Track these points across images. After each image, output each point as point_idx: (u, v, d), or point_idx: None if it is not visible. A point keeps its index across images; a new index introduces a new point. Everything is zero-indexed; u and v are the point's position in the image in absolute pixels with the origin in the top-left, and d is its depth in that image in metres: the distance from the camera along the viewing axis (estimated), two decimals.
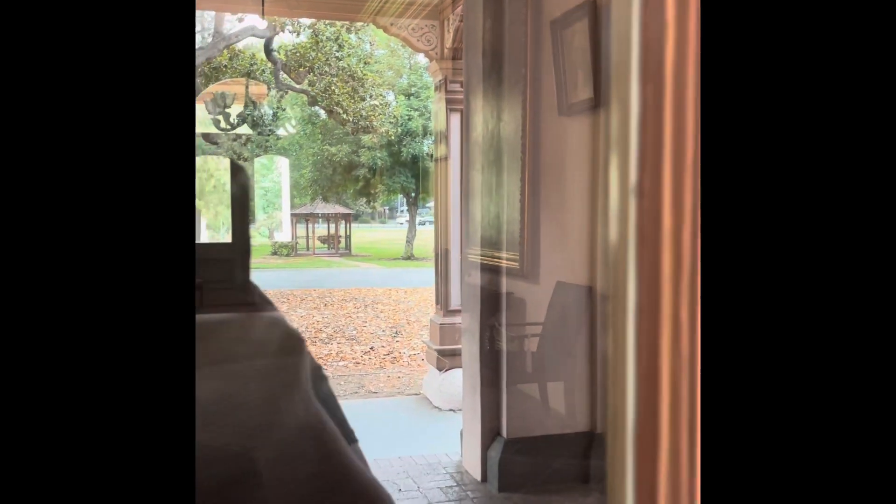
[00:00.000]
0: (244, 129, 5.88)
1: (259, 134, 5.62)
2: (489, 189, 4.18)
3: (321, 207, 26.97)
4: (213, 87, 9.82)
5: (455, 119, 7.33)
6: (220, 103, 5.72)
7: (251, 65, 12.42)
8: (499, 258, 4.06)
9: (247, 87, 5.53)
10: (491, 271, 4.10)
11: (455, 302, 7.48)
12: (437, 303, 7.77)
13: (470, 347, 4.44)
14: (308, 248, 27.03)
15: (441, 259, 7.58)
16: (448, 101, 7.24)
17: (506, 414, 3.83)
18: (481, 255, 4.15)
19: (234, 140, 9.91)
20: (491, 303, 4.06)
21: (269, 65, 11.74)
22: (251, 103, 5.51)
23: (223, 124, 5.86)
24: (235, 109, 5.91)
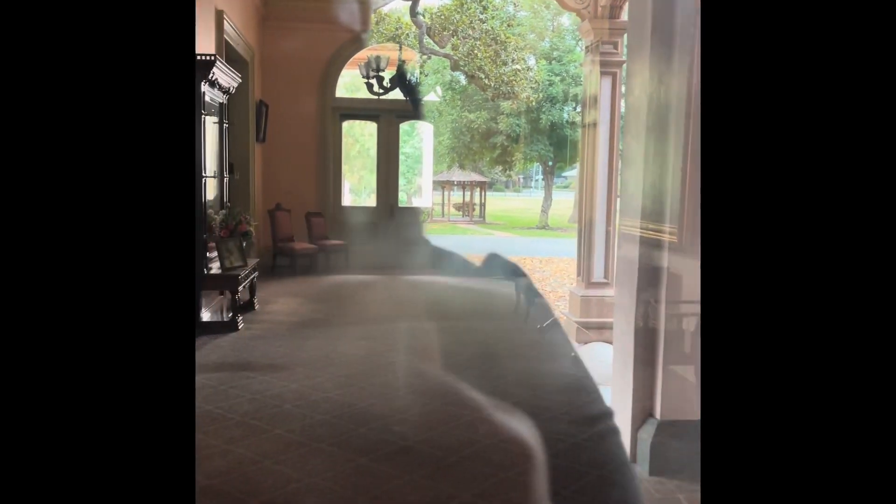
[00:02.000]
0: (396, 94, 5.90)
1: (408, 100, 5.61)
2: (648, 157, 3.92)
3: (457, 175, 27.10)
4: (366, 51, 9.97)
5: (606, 83, 7.00)
6: (374, 66, 5.73)
7: (396, 28, 12.50)
8: (657, 231, 3.81)
9: (399, 51, 5.51)
10: (648, 244, 3.86)
11: (598, 274, 7.23)
12: (578, 274, 7.55)
13: (622, 323, 4.23)
14: (443, 215, 27.32)
15: (585, 230, 7.33)
16: (600, 64, 6.91)
17: (660, 395, 3.62)
18: (639, 228, 3.91)
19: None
20: (647, 278, 3.82)
21: (414, 28, 11.76)
22: (403, 67, 5.50)
23: (376, 88, 5.87)
24: (388, 73, 5.90)
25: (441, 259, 10.31)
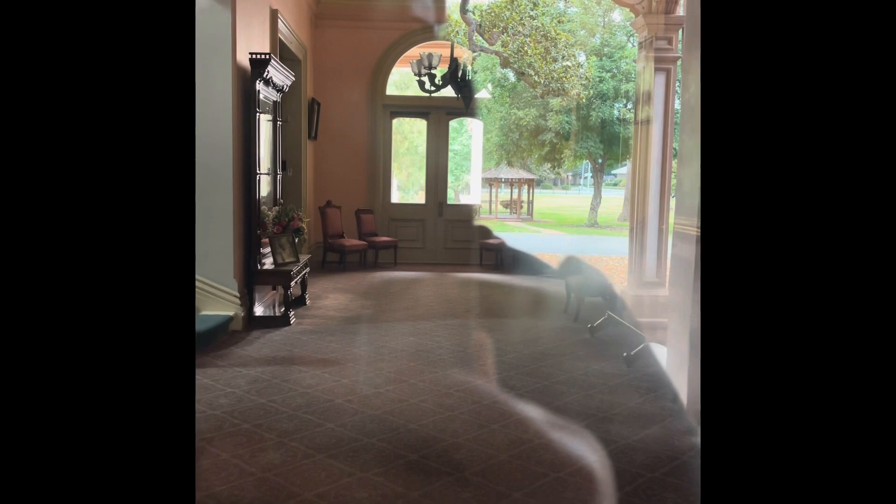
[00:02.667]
0: (447, 91, 5.90)
1: (460, 97, 5.61)
2: None
3: (505, 172, 27.01)
4: (416, 49, 10.00)
5: (660, 79, 6.87)
6: (426, 64, 5.74)
7: (447, 25, 12.50)
8: None
9: (452, 48, 5.49)
10: None
11: (650, 273, 7.12)
12: (629, 273, 7.45)
13: (676, 324, 4.16)
14: (490, 212, 27.26)
15: (636, 228, 7.23)
16: (654, 60, 6.79)
17: None
18: (695, 227, 3.83)
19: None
20: None
21: (464, 25, 11.74)
22: (456, 65, 5.49)
23: (428, 85, 5.89)
24: (440, 71, 5.91)
25: (517, 260, 10.25)
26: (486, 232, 10.99)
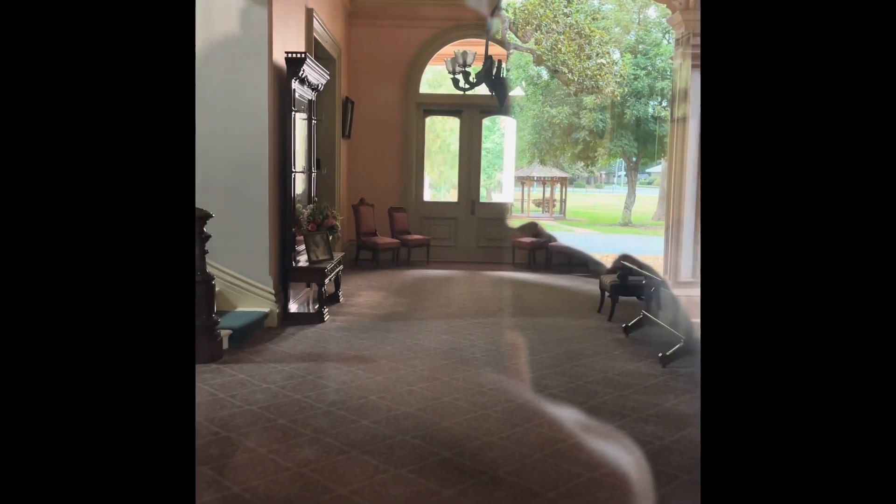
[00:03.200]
0: (480, 89, 5.88)
1: (494, 95, 5.59)
2: None
3: (537, 170, 26.87)
4: (450, 47, 10.00)
5: (697, 76, 6.77)
6: (460, 62, 5.73)
7: (490, 22, 12.47)
8: None
9: (486, 46, 5.48)
10: None
11: (686, 273, 7.02)
12: (664, 273, 7.36)
13: None
14: (522, 211, 27.15)
15: (672, 227, 7.13)
16: (691, 57, 6.69)
17: None
18: None
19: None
20: None
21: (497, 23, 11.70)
22: (490, 63, 5.47)
23: (462, 83, 5.88)
24: (474, 69, 5.90)
25: (568, 258, 10.17)
26: (533, 228, 10.92)
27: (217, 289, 4.87)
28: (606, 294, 6.72)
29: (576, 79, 13.56)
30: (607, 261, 11.08)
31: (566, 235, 14.76)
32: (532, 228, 10.91)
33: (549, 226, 22.93)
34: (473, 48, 6.23)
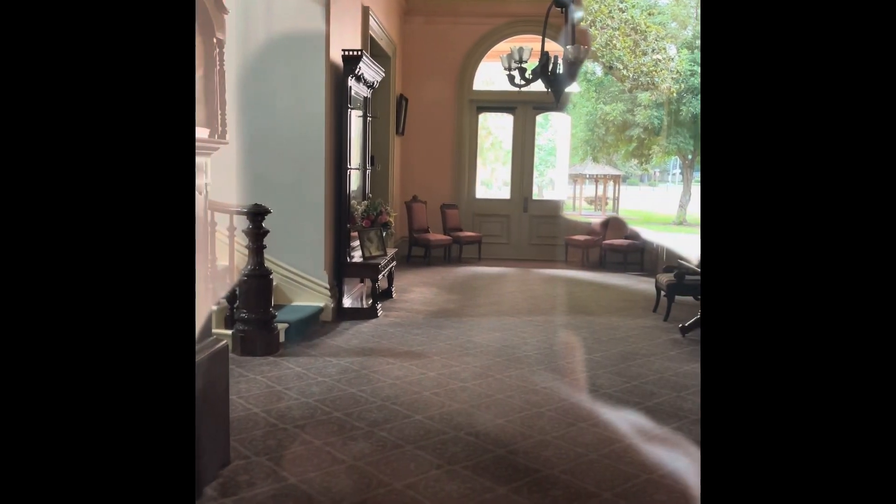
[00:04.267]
0: (535, 86, 5.83)
1: (550, 91, 5.54)
2: None
3: (590, 168, 26.54)
4: (503, 43, 9.95)
5: None
6: (516, 58, 5.71)
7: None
8: None
9: (542, 42, 5.43)
10: None
11: None
12: None
13: None
14: (574, 209, 26.87)
15: None
16: None
17: None
18: None
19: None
20: None
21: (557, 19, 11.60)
22: (547, 59, 5.42)
23: (518, 80, 5.85)
24: (531, 65, 5.86)
25: (623, 256, 10.02)
26: (620, 225, 10.68)
27: (274, 283, 4.96)
28: (662, 293, 6.61)
29: (631, 75, 13.38)
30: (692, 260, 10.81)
31: (648, 231, 14.40)
32: (623, 229, 10.56)
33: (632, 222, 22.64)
34: (529, 44, 6.18)
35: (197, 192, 3.10)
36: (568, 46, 5.50)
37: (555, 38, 6.59)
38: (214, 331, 3.29)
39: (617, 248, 9.83)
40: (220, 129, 3.20)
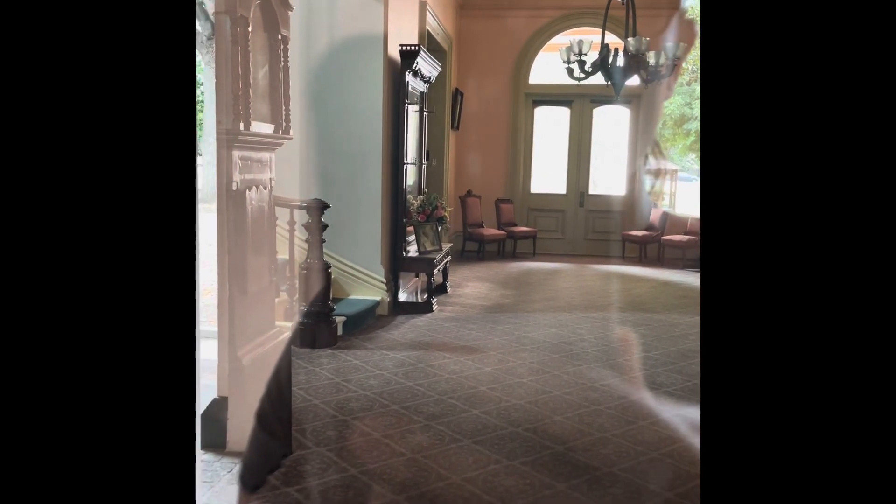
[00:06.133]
0: (598, 79, 5.75)
1: (609, 84, 5.47)
2: None
3: (648, 162, 26.15)
4: (561, 36, 9.87)
5: None
6: (576, 51, 5.65)
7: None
8: None
9: (602, 34, 5.35)
10: None
11: None
12: None
13: None
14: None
15: None
16: None
17: None
18: None
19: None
20: None
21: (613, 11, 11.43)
22: (607, 52, 5.35)
23: (577, 73, 5.79)
24: (591, 57, 5.79)
25: (682, 252, 9.81)
26: (678, 220, 10.47)
27: (332, 276, 5.03)
28: None
29: (689, 68, 13.07)
30: None
31: None
32: (681, 225, 10.31)
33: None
34: (588, 37, 6.10)
35: (262, 187, 3.16)
36: (629, 38, 5.42)
37: (615, 31, 6.50)
38: (276, 323, 3.36)
39: (676, 245, 9.63)
40: (284, 124, 3.25)
